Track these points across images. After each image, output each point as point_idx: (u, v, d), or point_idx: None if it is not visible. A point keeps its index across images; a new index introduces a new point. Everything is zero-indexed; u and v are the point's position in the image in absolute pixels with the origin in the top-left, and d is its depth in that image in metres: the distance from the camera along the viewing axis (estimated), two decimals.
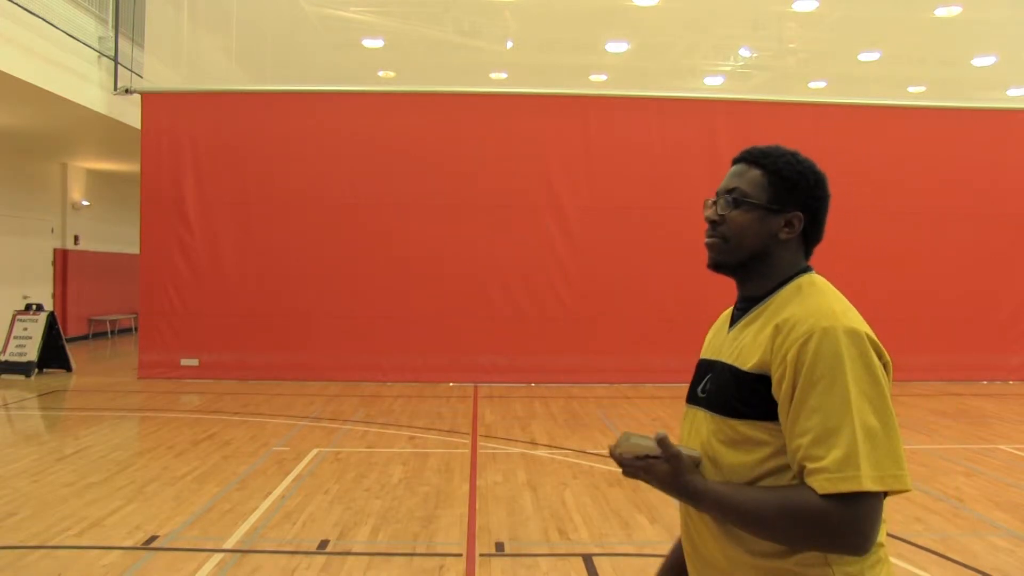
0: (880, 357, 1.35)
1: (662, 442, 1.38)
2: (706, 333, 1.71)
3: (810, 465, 1.30)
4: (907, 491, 1.31)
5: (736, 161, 1.57)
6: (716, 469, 1.45)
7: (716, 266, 1.56)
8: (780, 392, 1.36)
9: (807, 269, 1.52)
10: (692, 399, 1.59)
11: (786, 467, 1.37)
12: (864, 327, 1.37)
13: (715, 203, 1.54)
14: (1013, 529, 4.80)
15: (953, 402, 9.66)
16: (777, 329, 1.39)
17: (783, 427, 1.36)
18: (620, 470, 1.44)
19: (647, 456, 1.40)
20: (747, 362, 1.43)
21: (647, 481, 1.42)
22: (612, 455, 1.43)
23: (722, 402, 1.46)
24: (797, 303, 1.43)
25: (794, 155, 1.52)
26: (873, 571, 1.36)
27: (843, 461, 1.27)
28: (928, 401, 9.65)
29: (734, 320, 1.57)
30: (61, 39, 10.01)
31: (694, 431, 1.54)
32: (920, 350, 11.05)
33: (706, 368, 1.58)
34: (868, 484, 1.27)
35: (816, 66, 14.10)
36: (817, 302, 1.41)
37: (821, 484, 1.28)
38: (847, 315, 1.37)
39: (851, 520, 1.28)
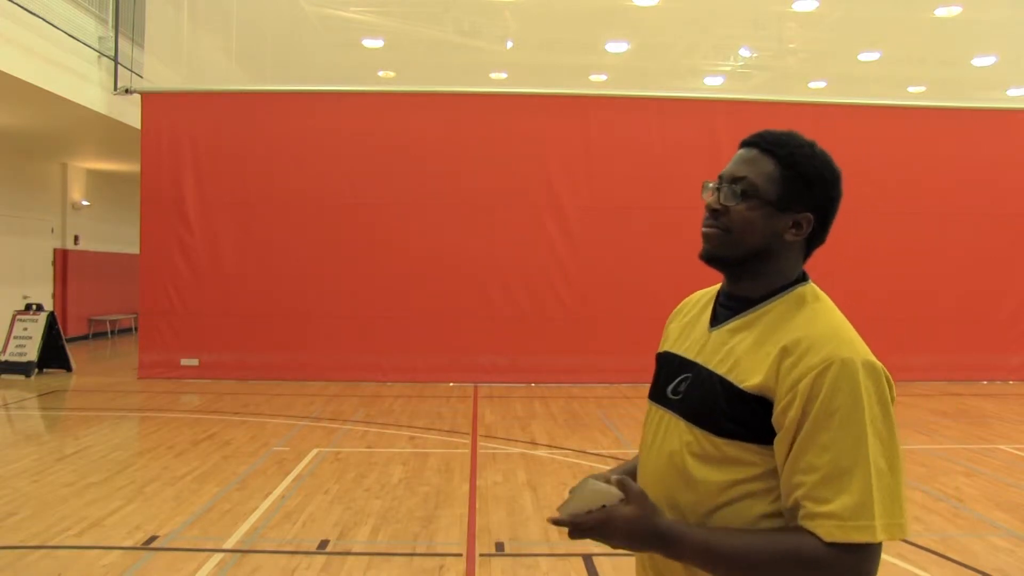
0: (890, 391, 1.25)
1: (623, 482, 1.24)
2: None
3: (813, 507, 1.19)
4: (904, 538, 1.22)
5: (747, 144, 1.41)
6: (685, 484, 1.32)
7: (711, 259, 1.40)
8: (784, 420, 1.23)
9: (805, 276, 1.39)
10: (660, 398, 1.45)
11: (767, 491, 1.26)
12: (874, 357, 1.26)
13: (718, 189, 1.38)
14: (1013, 529, 4.80)
15: (953, 402, 9.66)
16: (785, 351, 1.25)
17: (780, 458, 1.24)
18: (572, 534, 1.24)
19: (603, 506, 1.21)
20: (745, 380, 1.28)
21: (604, 538, 1.23)
22: (560, 518, 1.23)
23: (706, 416, 1.32)
24: (804, 322, 1.30)
25: (811, 147, 1.38)
26: None
27: (856, 509, 1.17)
28: (928, 401, 9.65)
29: (717, 317, 1.42)
30: (61, 39, 10.00)
31: (663, 435, 1.40)
32: (920, 350, 11.05)
33: (680, 366, 1.43)
34: (881, 535, 1.17)
35: (816, 66, 14.09)
36: (829, 324, 1.29)
37: (829, 531, 1.17)
38: (861, 344, 1.27)
39: (857, 569, 1.19)
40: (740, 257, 1.37)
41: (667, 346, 1.52)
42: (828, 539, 1.17)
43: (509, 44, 13.66)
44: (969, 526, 4.89)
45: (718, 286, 1.50)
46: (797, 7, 12.49)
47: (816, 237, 1.39)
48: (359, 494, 5.45)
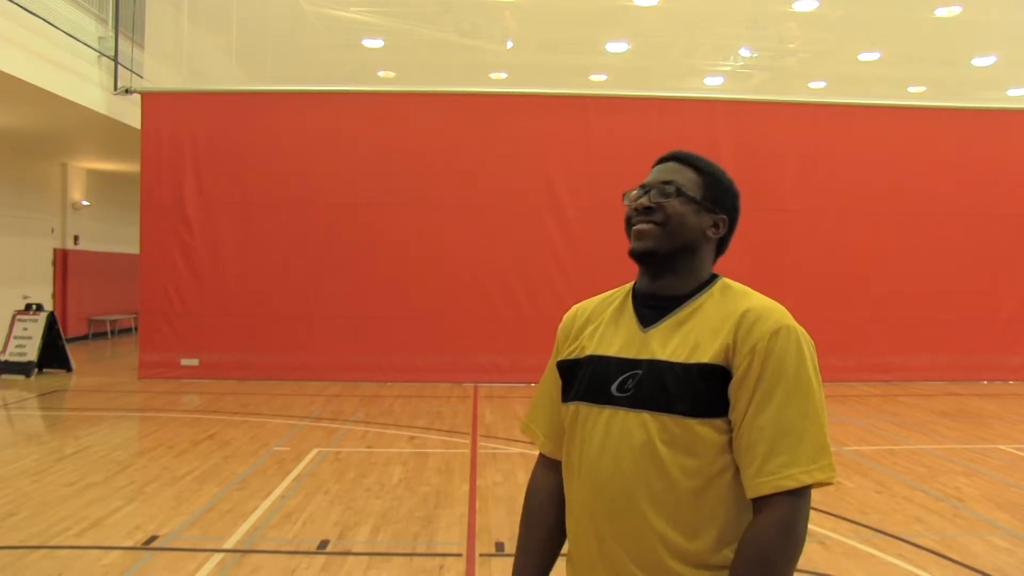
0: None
1: None
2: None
3: (774, 460, 1.31)
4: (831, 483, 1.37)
5: (665, 160, 1.57)
6: (657, 471, 1.38)
7: (647, 254, 1.48)
8: (743, 381, 1.36)
9: (717, 275, 1.53)
10: (601, 398, 1.47)
11: (729, 465, 1.38)
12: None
13: (647, 193, 1.52)
14: (1013, 529, 4.80)
15: (953, 402, 9.65)
16: (741, 320, 1.39)
17: (737, 417, 1.36)
18: None
19: None
20: (704, 355, 1.39)
21: None
22: None
23: (672, 400, 1.38)
24: (746, 299, 1.44)
25: (719, 165, 1.56)
26: None
27: (816, 453, 1.32)
28: (928, 401, 9.64)
29: (646, 319, 1.48)
30: (61, 39, 10.00)
31: (617, 432, 1.43)
32: (920, 350, 11.04)
33: (620, 366, 1.46)
34: (833, 471, 1.33)
35: (816, 66, 14.10)
36: (766, 299, 1.45)
37: (797, 478, 1.31)
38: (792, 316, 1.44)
39: (808, 505, 1.34)
40: (673, 250, 1.48)
41: (589, 351, 1.54)
42: (796, 485, 1.31)
43: (509, 44, 13.66)
44: (969, 526, 4.89)
45: (616, 292, 1.60)
46: (797, 7, 12.50)
47: (725, 241, 1.55)
48: (359, 494, 5.45)
